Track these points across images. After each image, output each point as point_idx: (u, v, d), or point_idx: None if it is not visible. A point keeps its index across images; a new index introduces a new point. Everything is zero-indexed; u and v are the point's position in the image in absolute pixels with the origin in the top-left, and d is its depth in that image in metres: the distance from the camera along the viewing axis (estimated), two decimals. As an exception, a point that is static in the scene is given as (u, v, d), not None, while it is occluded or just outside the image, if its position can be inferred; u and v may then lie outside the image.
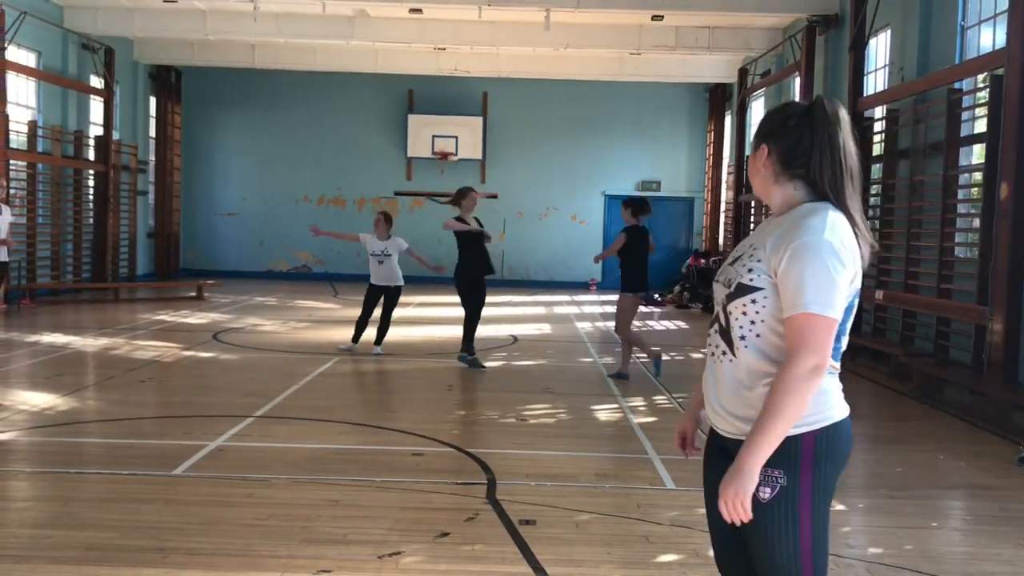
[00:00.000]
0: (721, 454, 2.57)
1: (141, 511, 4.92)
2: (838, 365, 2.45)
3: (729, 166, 20.15)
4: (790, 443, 2.36)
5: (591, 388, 9.21)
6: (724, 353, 2.51)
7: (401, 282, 11.03)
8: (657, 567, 4.36)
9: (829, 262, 2.33)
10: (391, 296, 10.94)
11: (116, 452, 6.26)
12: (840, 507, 5.33)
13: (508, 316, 15.88)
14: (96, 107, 18.51)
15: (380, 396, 9.12)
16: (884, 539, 4.86)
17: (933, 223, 10.67)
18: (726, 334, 2.50)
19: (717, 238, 21.28)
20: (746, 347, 2.45)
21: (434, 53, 20.02)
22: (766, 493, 2.36)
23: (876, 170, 12.60)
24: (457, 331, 10.55)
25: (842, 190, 2.45)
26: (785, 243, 2.38)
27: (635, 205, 9.73)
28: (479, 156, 22.39)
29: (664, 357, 10.14)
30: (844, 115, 2.50)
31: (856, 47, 12.77)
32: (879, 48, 13.35)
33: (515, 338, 12.90)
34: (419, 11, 16.39)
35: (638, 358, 10.59)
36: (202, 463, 5.91)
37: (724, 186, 20.83)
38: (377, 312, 10.99)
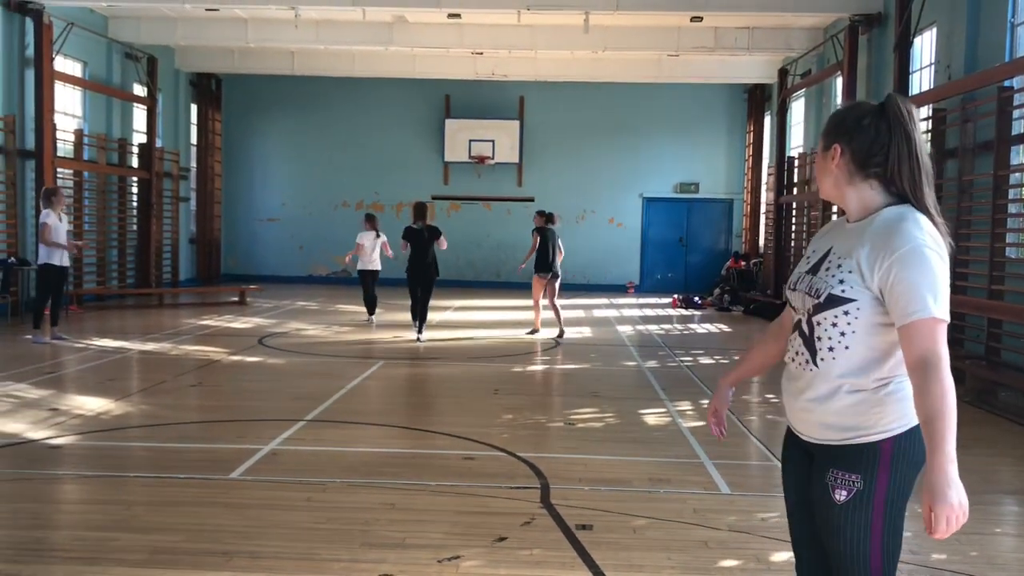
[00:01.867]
0: (800, 453, 2.64)
1: (202, 515, 4.97)
2: None
3: (769, 167, 19.98)
4: (869, 449, 2.43)
5: (637, 392, 9.17)
6: (807, 362, 2.51)
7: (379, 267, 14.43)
8: (719, 572, 4.34)
9: (937, 267, 2.34)
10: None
11: (171, 456, 6.33)
12: (900, 512, 5.27)
13: (547, 320, 15.86)
14: (139, 115, 18.80)
15: (427, 400, 9.15)
16: (947, 546, 4.78)
17: (983, 223, 10.51)
18: (810, 344, 2.51)
19: (757, 240, 21.12)
20: (834, 358, 2.46)
21: (471, 58, 20.09)
22: (842, 496, 2.44)
23: (923, 170, 12.43)
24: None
25: (920, 187, 2.45)
26: (885, 254, 2.37)
27: (547, 216, 13.54)
28: (516, 160, 22.43)
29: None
30: (916, 112, 2.50)
31: (901, 46, 12.62)
32: (924, 46, 13.18)
33: (557, 341, 12.88)
34: (458, 16, 16.50)
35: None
36: (258, 467, 5.96)
37: (764, 187, 20.66)
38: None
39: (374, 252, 14.19)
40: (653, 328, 15.03)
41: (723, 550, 4.61)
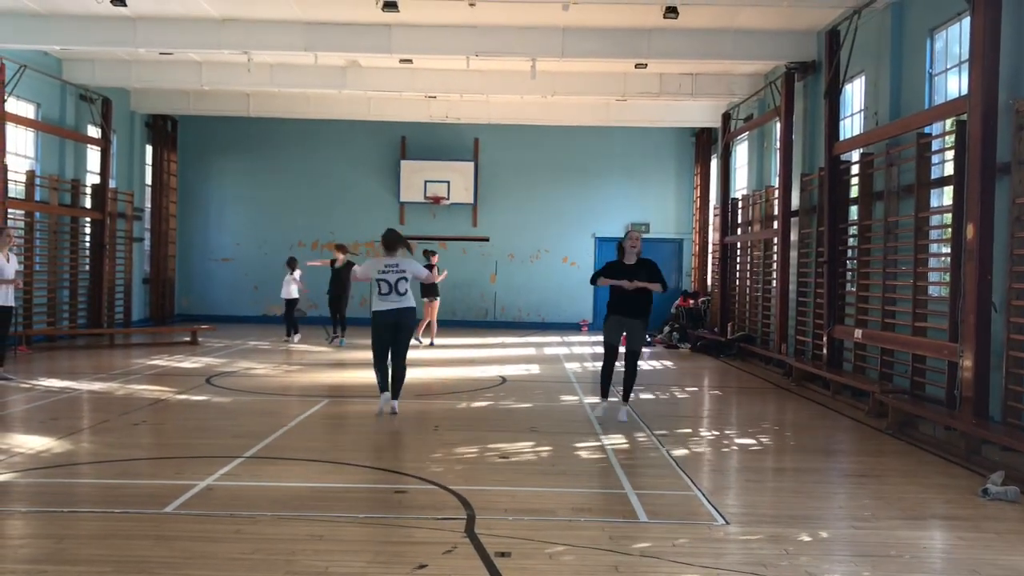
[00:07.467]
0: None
1: (132, 547, 5.12)
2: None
3: (715, 208, 20.51)
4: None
5: (575, 427, 9.42)
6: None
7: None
8: (624, 595, 4.58)
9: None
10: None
11: (109, 492, 6.46)
12: (805, 537, 5.55)
13: (498, 357, 16.11)
14: (93, 156, 18.89)
15: (368, 437, 9.29)
16: (843, 567, 5.07)
17: (907, 263, 10.97)
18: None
19: (705, 279, 21.59)
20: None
21: (425, 101, 20.49)
22: None
23: (853, 212, 12.95)
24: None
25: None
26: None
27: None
28: (471, 200, 22.78)
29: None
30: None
31: (831, 93, 13.17)
32: (855, 93, 13.76)
33: (504, 379, 13.11)
34: (409, 61, 16.89)
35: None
36: (192, 501, 6.12)
37: (711, 227, 21.17)
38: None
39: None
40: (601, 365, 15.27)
41: (631, 573, 4.85)
